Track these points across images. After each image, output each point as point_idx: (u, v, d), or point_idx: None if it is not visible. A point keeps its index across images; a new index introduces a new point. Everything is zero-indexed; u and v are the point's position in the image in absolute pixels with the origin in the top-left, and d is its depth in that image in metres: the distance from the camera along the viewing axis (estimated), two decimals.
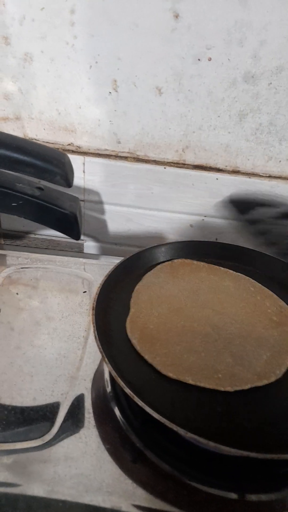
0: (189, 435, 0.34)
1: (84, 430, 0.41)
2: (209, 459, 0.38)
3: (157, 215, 0.69)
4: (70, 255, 0.70)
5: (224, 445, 0.33)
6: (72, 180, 0.46)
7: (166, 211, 0.68)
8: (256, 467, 0.38)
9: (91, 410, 0.43)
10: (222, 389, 0.39)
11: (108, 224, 0.71)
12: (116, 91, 0.58)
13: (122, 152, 0.64)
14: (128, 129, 0.61)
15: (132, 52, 0.55)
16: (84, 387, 0.45)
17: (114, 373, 0.38)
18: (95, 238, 0.73)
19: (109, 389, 0.45)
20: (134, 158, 0.64)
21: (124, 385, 0.37)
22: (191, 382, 0.40)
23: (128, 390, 0.36)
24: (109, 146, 0.63)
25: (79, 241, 0.73)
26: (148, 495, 0.36)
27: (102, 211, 0.69)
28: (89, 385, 0.45)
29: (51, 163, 0.41)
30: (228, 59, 0.55)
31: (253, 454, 0.32)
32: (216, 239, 0.70)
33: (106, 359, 0.39)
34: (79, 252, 0.75)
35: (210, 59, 0.55)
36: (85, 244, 0.74)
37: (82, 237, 0.72)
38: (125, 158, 0.64)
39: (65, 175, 0.42)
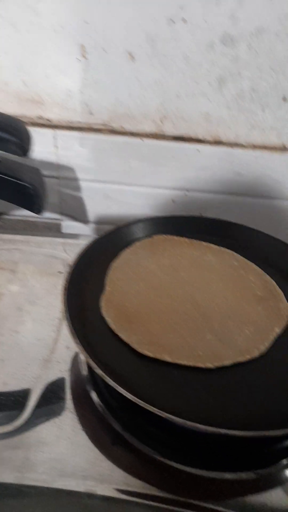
0: (165, 415, 0.31)
1: (58, 414, 0.38)
2: (190, 439, 0.37)
3: (136, 190, 0.66)
4: (49, 235, 0.67)
5: (202, 424, 0.31)
6: (29, 148, 0.43)
7: (146, 186, 0.65)
8: (239, 445, 0.37)
9: (66, 393, 0.40)
10: (202, 366, 0.37)
11: (86, 202, 0.67)
12: (85, 58, 0.54)
13: (96, 124, 0.60)
14: (101, 99, 0.58)
15: (100, 15, 0.51)
16: (59, 370, 0.42)
17: (85, 354, 0.35)
18: (73, 217, 0.69)
19: (85, 371, 0.43)
20: (109, 130, 0.60)
21: (95, 365, 0.34)
22: (169, 360, 0.38)
23: (99, 371, 0.34)
24: (82, 118, 0.60)
25: (57, 221, 0.70)
26: (126, 478, 0.34)
27: (79, 188, 0.66)
28: (64, 367, 0.43)
29: (5, 130, 0.38)
30: (204, 20, 0.51)
31: (231, 432, 0.31)
32: (201, 215, 0.67)
33: (76, 340, 0.36)
34: (57, 232, 0.72)
35: (184, 21, 0.51)
36: (63, 224, 0.70)
37: (59, 216, 0.69)
38: (99, 130, 0.60)
39: (20, 143, 0.38)
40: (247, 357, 0.38)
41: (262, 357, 0.39)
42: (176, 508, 0.33)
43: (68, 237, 0.68)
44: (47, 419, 0.38)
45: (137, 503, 0.33)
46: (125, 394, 0.33)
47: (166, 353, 0.38)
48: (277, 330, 0.42)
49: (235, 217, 0.64)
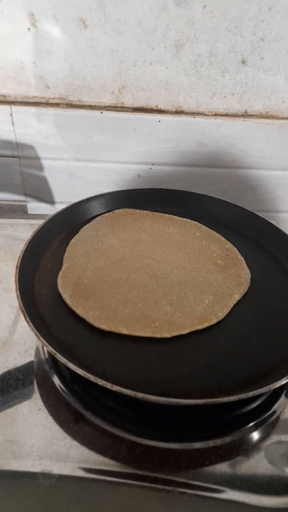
0: (115, 388, 0.31)
1: (15, 396, 0.37)
2: (148, 411, 0.36)
3: (100, 167, 0.64)
4: (14, 217, 0.65)
5: (152, 394, 0.30)
6: None
7: (110, 161, 0.63)
8: (198, 414, 0.36)
9: (23, 374, 0.39)
10: (158, 336, 0.36)
11: (49, 181, 0.65)
12: (35, 26, 0.52)
13: (53, 98, 0.58)
14: (56, 71, 0.55)
15: None
16: (17, 351, 0.41)
17: (35, 331, 0.34)
18: (38, 198, 0.67)
19: (45, 351, 0.42)
20: (66, 104, 0.58)
21: (45, 343, 0.33)
22: (126, 332, 0.37)
23: (50, 348, 0.33)
24: (38, 93, 0.57)
25: (22, 203, 0.68)
26: (84, 454, 0.34)
27: (41, 167, 0.64)
28: (22, 349, 0.42)
29: None
30: None
31: (182, 401, 0.30)
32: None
33: (27, 318, 0.35)
34: (24, 214, 0.70)
35: None
36: (28, 205, 0.68)
37: (23, 198, 0.67)
38: (57, 105, 0.58)
39: None
40: (204, 324, 0.38)
41: (220, 324, 0.39)
42: (135, 482, 0.32)
43: (34, 218, 0.66)
44: (6, 402, 0.37)
45: (94, 480, 0.33)
46: (76, 370, 0.32)
47: (122, 326, 0.37)
48: (236, 297, 0.41)
49: (201, 189, 0.63)
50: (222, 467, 0.33)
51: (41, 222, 0.61)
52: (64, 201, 0.68)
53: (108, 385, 0.31)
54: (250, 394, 0.31)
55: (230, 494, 0.32)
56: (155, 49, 0.53)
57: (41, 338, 0.34)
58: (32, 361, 0.41)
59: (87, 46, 0.53)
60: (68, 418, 0.36)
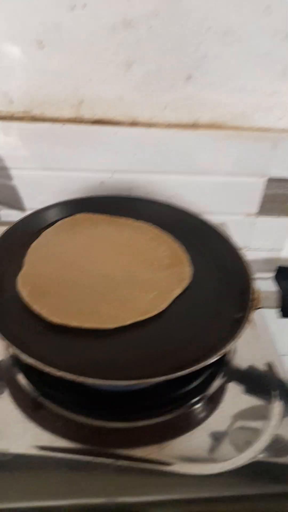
0: (60, 373, 0.35)
1: None
2: (98, 395, 0.41)
3: (65, 175, 0.68)
4: None
5: (90, 377, 0.35)
6: None
7: (74, 170, 0.67)
8: (145, 395, 0.41)
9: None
10: (104, 326, 0.41)
11: (19, 190, 0.70)
12: None
13: (18, 112, 0.62)
14: (18, 88, 0.60)
15: (5, 6, 0.53)
16: None
17: None
18: (9, 205, 0.72)
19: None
20: (30, 117, 0.63)
21: (3, 337, 0.38)
22: (75, 324, 0.41)
23: (6, 341, 0.38)
24: (2, 107, 0.61)
25: None
26: (39, 434, 0.38)
27: (9, 177, 0.68)
28: None
29: None
30: (104, 3, 0.53)
31: (115, 383, 0.35)
32: (130, 194, 0.71)
33: None
34: None
35: (84, 6, 0.53)
36: (1, 212, 0.73)
37: None
38: (21, 118, 0.63)
39: None
40: (146, 316, 0.42)
41: (160, 316, 0.43)
42: (83, 456, 0.37)
43: (7, 225, 0.70)
44: None
45: (48, 457, 0.37)
46: (26, 358, 0.36)
47: (72, 319, 0.42)
48: (177, 291, 0.46)
49: (163, 195, 0.68)
50: (178, 442, 0.38)
51: None
52: (34, 207, 0.72)
53: (53, 370, 0.35)
54: (179, 374, 0.36)
55: (173, 467, 0.37)
56: (107, 66, 0.58)
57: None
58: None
59: (46, 64, 0.58)
60: (28, 406, 0.41)
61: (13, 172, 0.68)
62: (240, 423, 0.41)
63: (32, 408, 0.41)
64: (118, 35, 0.55)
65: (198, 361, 0.37)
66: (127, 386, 0.41)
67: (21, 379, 0.43)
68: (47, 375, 0.35)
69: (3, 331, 0.39)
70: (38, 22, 0.54)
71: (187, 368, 0.36)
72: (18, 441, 0.38)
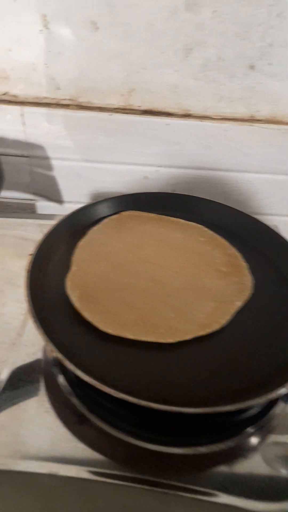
0: (119, 395, 0.32)
1: (23, 397, 0.39)
2: (152, 416, 0.37)
3: (108, 168, 0.64)
4: (24, 217, 0.66)
5: (154, 402, 0.32)
6: None
7: (117, 163, 0.64)
8: (200, 420, 0.37)
9: (32, 376, 0.41)
10: (162, 341, 0.38)
11: (58, 181, 0.66)
12: (47, 28, 0.52)
13: (64, 99, 0.58)
14: (67, 73, 0.56)
15: None
16: (25, 353, 0.43)
17: (44, 337, 0.36)
18: (47, 197, 0.69)
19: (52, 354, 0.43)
20: (76, 105, 0.59)
21: (54, 348, 0.35)
22: (130, 337, 0.38)
23: (59, 354, 0.34)
24: (49, 94, 0.58)
25: (31, 201, 0.69)
26: (88, 457, 0.35)
27: (50, 167, 0.65)
28: (30, 350, 0.43)
29: None
30: None
31: (185, 410, 0.31)
32: (174, 191, 0.67)
33: (36, 323, 0.37)
34: (32, 213, 0.71)
35: None
36: (37, 204, 0.70)
37: (32, 196, 0.68)
38: (67, 106, 0.59)
39: None
40: (207, 331, 0.39)
41: (222, 330, 0.40)
42: (140, 486, 0.34)
43: (43, 218, 0.68)
44: (13, 403, 0.39)
45: (98, 482, 0.34)
46: (83, 377, 0.33)
47: (127, 331, 0.38)
48: (238, 304, 0.42)
49: (207, 193, 0.64)
50: (220, 472, 0.35)
51: (49, 222, 0.62)
52: (72, 200, 0.69)
53: (112, 392, 0.32)
54: (248, 403, 0.32)
55: (227, 499, 0.33)
56: (164, 52, 0.54)
57: (50, 343, 0.35)
58: (40, 360, 0.42)
59: (97, 48, 0.54)
60: (73, 420, 0.38)
61: (53, 162, 0.64)
62: None
63: (78, 424, 0.38)
64: (178, 18, 0.51)
65: (270, 386, 0.34)
66: None
67: (65, 388, 0.40)
68: (95, 388, 0.33)
69: (53, 342, 0.36)
70: (94, 2, 0.50)
71: (259, 394, 0.33)
72: (67, 463, 0.35)
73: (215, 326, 0.39)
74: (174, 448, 0.36)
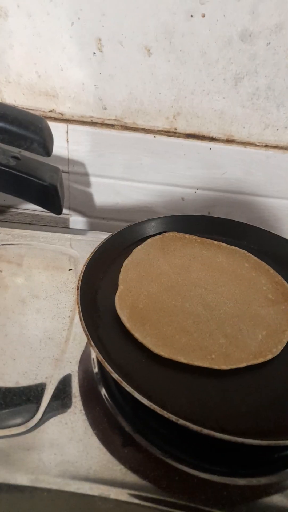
0: (180, 422, 0.31)
1: (70, 415, 0.38)
2: (202, 443, 0.37)
3: (146, 187, 0.65)
4: (55, 231, 0.67)
5: (218, 431, 0.31)
6: (51, 148, 0.42)
7: (156, 183, 0.64)
8: (252, 451, 0.37)
9: (78, 394, 0.40)
10: (216, 367, 0.37)
11: (95, 198, 0.67)
12: (101, 51, 0.53)
13: (109, 119, 0.59)
14: (115, 94, 0.57)
15: (118, 7, 0.50)
16: (70, 370, 0.42)
17: (100, 357, 0.35)
18: (82, 213, 0.69)
19: (96, 370, 0.43)
20: (121, 126, 0.60)
21: (111, 370, 0.34)
22: (184, 361, 0.38)
23: (116, 376, 0.34)
24: (95, 113, 0.59)
25: (65, 216, 0.69)
26: (138, 482, 0.34)
27: (88, 184, 0.65)
28: (75, 367, 0.43)
29: (27, 128, 0.37)
30: (224, 15, 0.50)
31: (247, 441, 0.31)
32: (209, 213, 0.67)
33: (92, 343, 0.36)
34: (65, 227, 0.71)
35: (203, 15, 0.50)
36: (71, 219, 0.70)
37: (67, 211, 0.69)
38: (111, 126, 0.60)
39: (43, 142, 0.38)
40: (260, 360, 0.38)
41: (275, 360, 0.39)
42: None
43: (75, 233, 0.68)
44: (60, 421, 0.38)
45: (149, 508, 0.33)
46: (141, 400, 0.33)
47: (180, 355, 0.38)
48: None
49: (243, 217, 0.64)
50: (275, 504, 0.34)
51: (80, 237, 0.62)
52: (106, 217, 0.69)
53: (173, 418, 0.32)
54: None
55: None
56: (214, 80, 0.55)
57: (106, 364, 0.35)
58: (81, 380, 0.42)
59: (148, 72, 0.55)
60: (118, 442, 0.37)
61: (92, 179, 0.65)
62: None
63: (123, 447, 0.37)
64: (232, 49, 0.52)
65: None
66: None
67: (113, 409, 0.39)
68: (145, 410, 0.32)
69: (108, 363, 0.35)
70: (151, 28, 0.51)
71: None
72: (118, 486, 0.34)
73: (268, 356, 0.39)
74: (226, 478, 0.35)
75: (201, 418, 0.33)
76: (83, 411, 0.39)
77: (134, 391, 0.33)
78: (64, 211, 0.68)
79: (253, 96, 0.56)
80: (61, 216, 0.69)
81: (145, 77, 0.55)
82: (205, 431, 0.31)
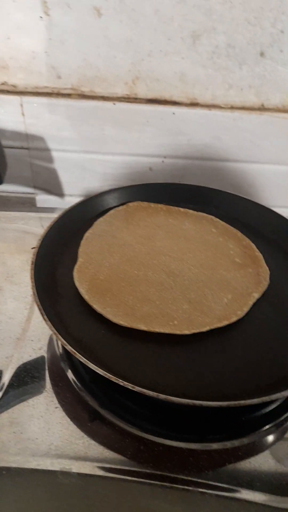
0: (137, 389, 0.30)
1: (32, 394, 0.37)
2: (167, 411, 0.36)
3: (112, 159, 0.62)
4: (24, 211, 0.64)
5: (177, 396, 0.30)
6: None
7: (122, 154, 0.62)
8: (219, 416, 0.36)
9: (41, 372, 0.39)
10: (178, 332, 0.36)
11: (60, 174, 0.64)
12: (48, 14, 0.50)
13: (65, 88, 0.56)
14: (68, 61, 0.54)
15: None
16: (32, 348, 0.41)
17: (54, 331, 0.34)
18: (48, 190, 0.66)
19: (60, 348, 0.41)
20: (78, 95, 0.57)
21: (65, 342, 0.33)
22: (144, 328, 0.36)
23: (69, 348, 0.32)
24: (49, 83, 0.56)
25: (30, 195, 0.67)
26: (102, 454, 0.33)
27: (51, 159, 0.62)
28: (37, 345, 0.41)
29: None
30: None
31: (206, 403, 0.29)
32: (179, 182, 0.65)
33: (45, 317, 0.35)
34: (32, 207, 0.69)
35: None
36: (37, 198, 0.67)
37: (32, 190, 0.66)
38: (68, 95, 0.57)
39: None
40: (224, 323, 0.37)
41: (240, 322, 0.38)
42: (154, 482, 0.32)
43: (44, 211, 0.66)
44: (21, 400, 0.36)
45: (113, 478, 0.32)
46: (97, 370, 0.31)
47: (141, 323, 0.37)
48: (256, 295, 0.40)
49: (214, 184, 0.62)
50: (241, 468, 0.33)
51: (50, 215, 0.60)
52: (74, 194, 0.67)
53: (129, 385, 0.30)
54: (273, 397, 0.30)
55: (249, 495, 0.31)
56: (171, 39, 0.52)
57: (60, 337, 0.33)
58: (43, 356, 0.40)
59: (101, 35, 0.52)
60: (84, 417, 0.36)
61: (55, 154, 0.62)
62: None
63: (90, 421, 0.36)
64: (187, 4, 0.49)
65: None
66: None
67: (74, 383, 0.38)
68: (109, 383, 0.31)
69: (63, 335, 0.34)
70: None
71: (281, 389, 0.31)
72: (80, 460, 0.33)
73: (233, 318, 0.38)
74: (192, 444, 0.34)
75: (161, 385, 0.32)
76: (46, 389, 0.37)
77: (88, 362, 0.31)
78: (29, 190, 0.66)
79: (213, 54, 0.53)
80: (27, 195, 0.67)
81: (98, 41, 0.52)
82: (162, 396, 0.30)
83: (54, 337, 0.42)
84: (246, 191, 0.64)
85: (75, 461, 0.33)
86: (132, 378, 0.32)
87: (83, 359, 0.32)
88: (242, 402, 0.30)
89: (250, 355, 0.36)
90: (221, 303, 0.39)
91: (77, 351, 0.32)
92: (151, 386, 0.31)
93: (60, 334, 0.33)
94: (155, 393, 0.30)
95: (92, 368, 0.31)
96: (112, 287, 0.40)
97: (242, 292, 0.41)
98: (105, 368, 0.31)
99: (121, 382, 0.30)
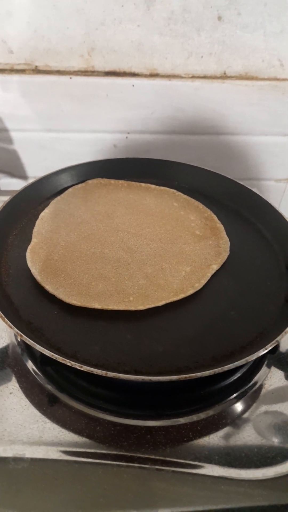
0: (84, 368, 0.29)
1: None
2: (123, 389, 0.35)
3: (73, 137, 0.60)
4: None
5: (125, 373, 0.29)
6: None
7: (83, 131, 0.60)
8: (175, 392, 0.35)
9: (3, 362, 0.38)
10: (133, 308, 0.35)
11: (20, 155, 0.62)
12: None
13: (18, 64, 0.54)
14: (19, 34, 0.51)
15: None
16: None
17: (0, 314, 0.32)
18: (9, 173, 0.64)
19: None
20: (33, 70, 0.54)
21: (11, 324, 0.31)
22: (97, 307, 0.35)
23: (16, 330, 0.31)
24: (1, 58, 0.53)
25: None
26: (57, 437, 0.32)
27: (10, 140, 0.60)
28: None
29: None
30: None
31: (155, 378, 0.28)
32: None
33: None
34: None
35: None
36: (0, 181, 0.65)
37: None
38: (22, 71, 0.54)
39: None
40: (180, 296, 0.36)
41: (197, 296, 0.37)
42: (111, 462, 0.31)
43: (6, 195, 0.63)
44: None
45: (68, 461, 0.31)
46: (44, 352, 0.30)
47: (94, 301, 0.35)
48: (215, 267, 0.39)
49: (183, 159, 0.60)
50: (200, 443, 0.32)
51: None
52: (37, 175, 0.64)
53: (77, 365, 0.29)
54: (226, 368, 0.29)
55: (209, 470, 0.31)
56: (124, 6, 0.50)
57: (6, 319, 0.32)
58: (8, 344, 0.39)
59: (50, 5, 0.49)
60: (42, 401, 0.35)
61: (14, 135, 0.60)
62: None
63: (48, 405, 0.35)
64: None
65: (247, 351, 0.31)
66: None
67: (34, 370, 0.37)
68: (63, 366, 0.29)
69: (11, 318, 0.32)
70: None
71: (236, 360, 0.30)
72: (35, 444, 0.32)
73: (190, 291, 0.36)
74: (149, 422, 0.33)
75: (113, 363, 0.31)
76: (5, 374, 0.36)
77: (34, 343, 0.30)
78: None
79: (170, 21, 0.51)
80: None
81: (47, 11, 0.50)
82: (110, 374, 0.29)
83: None
84: (212, 165, 0.62)
85: (29, 446, 0.32)
86: (82, 358, 0.31)
87: (29, 341, 0.30)
88: (193, 375, 0.29)
89: (206, 327, 0.35)
90: (179, 277, 0.38)
91: (24, 333, 0.31)
92: (101, 364, 0.30)
93: (7, 317, 0.32)
94: (103, 371, 0.29)
95: (39, 350, 0.30)
96: (67, 267, 0.39)
97: (201, 264, 0.39)
98: (53, 349, 0.30)
99: (68, 363, 0.29)
